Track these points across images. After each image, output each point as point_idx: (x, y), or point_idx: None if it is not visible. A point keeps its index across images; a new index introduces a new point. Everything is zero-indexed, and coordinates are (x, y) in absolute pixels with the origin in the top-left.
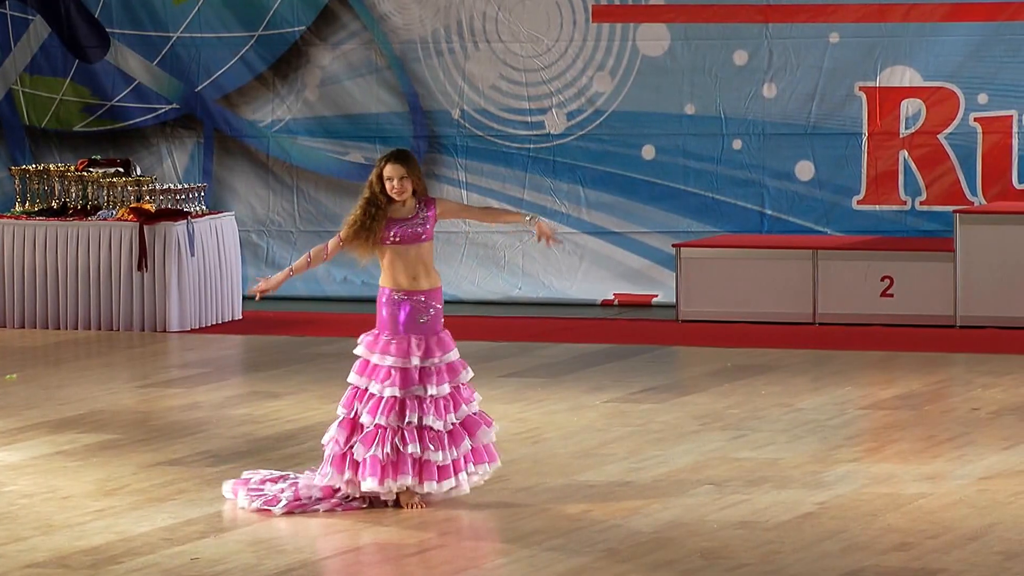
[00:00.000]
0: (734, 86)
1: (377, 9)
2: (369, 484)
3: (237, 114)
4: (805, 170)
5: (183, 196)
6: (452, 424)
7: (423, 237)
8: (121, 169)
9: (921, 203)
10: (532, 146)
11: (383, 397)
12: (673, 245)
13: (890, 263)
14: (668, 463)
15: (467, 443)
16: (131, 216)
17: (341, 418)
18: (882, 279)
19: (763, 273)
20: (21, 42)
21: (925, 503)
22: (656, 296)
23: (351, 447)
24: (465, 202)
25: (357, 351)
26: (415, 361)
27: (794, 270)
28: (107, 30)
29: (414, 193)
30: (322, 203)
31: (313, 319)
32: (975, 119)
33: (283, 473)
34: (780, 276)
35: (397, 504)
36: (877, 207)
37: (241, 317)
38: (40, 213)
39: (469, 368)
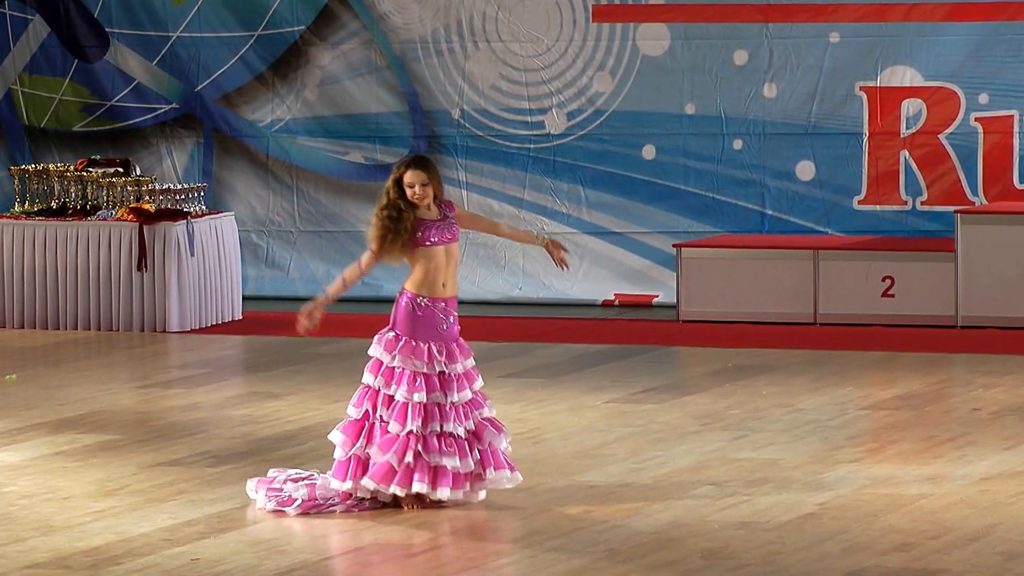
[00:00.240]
0: (734, 86)
1: (377, 9)
2: (393, 489)
3: (237, 114)
4: (806, 170)
5: (183, 196)
6: (468, 431)
7: (455, 237)
8: (121, 169)
9: (922, 203)
10: (532, 146)
11: (409, 403)
12: (674, 245)
13: (891, 263)
14: (669, 463)
15: (477, 449)
16: (131, 216)
17: (351, 419)
18: (883, 279)
19: (764, 273)
20: (20, 42)
21: (926, 503)
22: (657, 296)
23: (359, 450)
24: (466, 206)
25: (373, 352)
26: (440, 367)
27: (795, 270)
28: (106, 30)
29: (434, 199)
30: (322, 203)
31: None
32: (976, 119)
33: (308, 473)
34: (781, 276)
35: (398, 504)
36: (878, 207)
37: (241, 317)
38: (40, 213)
39: (480, 375)
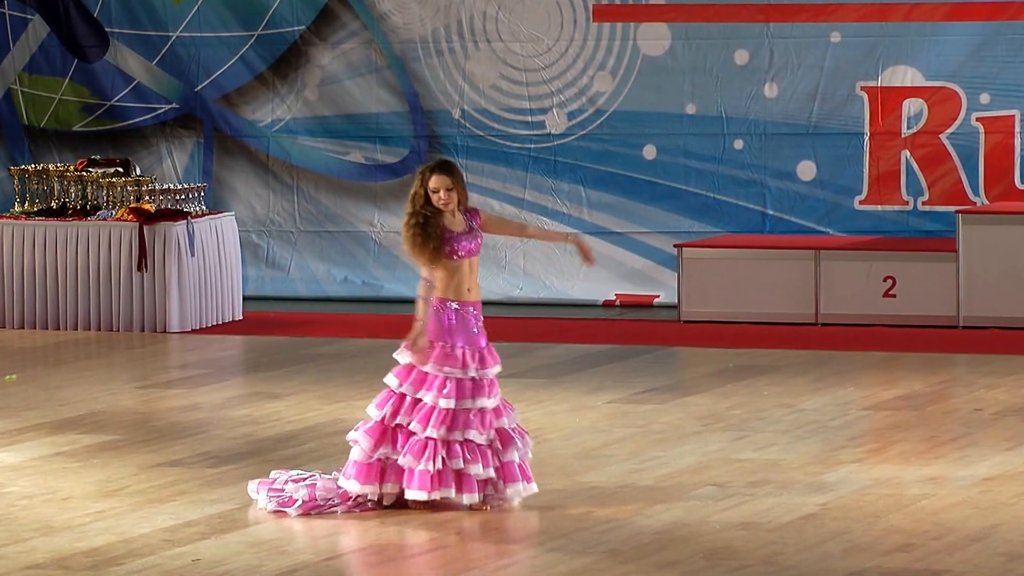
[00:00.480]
0: (735, 86)
1: (377, 8)
2: (416, 495)
3: (237, 114)
4: (807, 170)
5: (183, 196)
6: (491, 439)
7: (479, 248)
8: (121, 169)
9: (923, 203)
10: (533, 146)
11: (437, 408)
12: (675, 245)
13: (892, 263)
14: (670, 464)
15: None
16: (131, 216)
17: (372, 422)
18: (884, 279)
19: (765, 273)
20: (20, 42)
21: (928, 504)
22: (658, 296)
23: (384, 455)
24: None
25: (400, 358)
26: (472, 373)
27: (796, 270)
28: (106, 30)
29: (458, 204)
30: (322, 203)
31: (313, 319)
32: (977, 119)
33: (310, 473)
34: (782, 276)
35: (404, 505)
36: (879, 207)
37: (241, 317)
38: (39, 213)
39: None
